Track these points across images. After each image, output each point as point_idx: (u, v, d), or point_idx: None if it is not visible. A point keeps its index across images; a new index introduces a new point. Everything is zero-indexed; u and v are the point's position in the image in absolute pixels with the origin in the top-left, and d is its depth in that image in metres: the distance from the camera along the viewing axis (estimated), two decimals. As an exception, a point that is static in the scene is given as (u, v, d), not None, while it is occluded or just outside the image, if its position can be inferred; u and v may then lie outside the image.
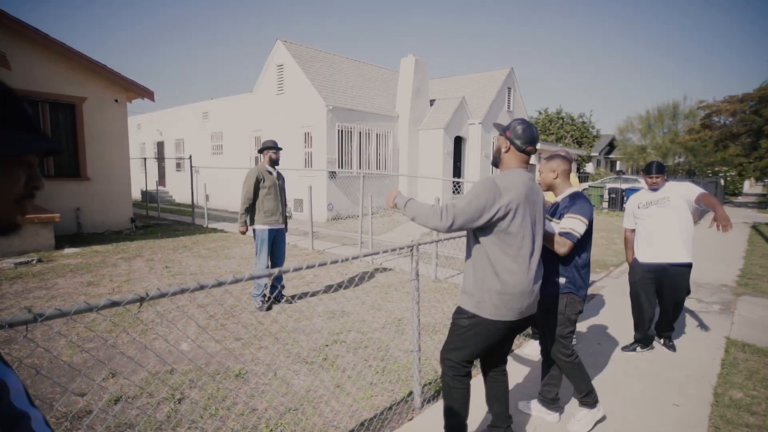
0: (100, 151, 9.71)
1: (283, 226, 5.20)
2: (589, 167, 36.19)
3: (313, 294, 5.55)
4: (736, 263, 8.13)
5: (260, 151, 5.15)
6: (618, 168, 40.33)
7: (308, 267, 2.20)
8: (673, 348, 4.08)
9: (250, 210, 5.00)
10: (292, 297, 5.33)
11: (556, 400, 2.93)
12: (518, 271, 2.17)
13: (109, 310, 4.25)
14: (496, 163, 2.39)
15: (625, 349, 4.06)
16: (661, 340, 4.17)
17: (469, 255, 2.32)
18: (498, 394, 2.50)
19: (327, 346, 3.97)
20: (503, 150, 2.32)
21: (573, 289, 2.72)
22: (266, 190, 4.98)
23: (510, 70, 18.66)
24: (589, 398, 2.78)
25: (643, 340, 4.03)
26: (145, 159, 15.59)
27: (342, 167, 13.70)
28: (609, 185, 19.80)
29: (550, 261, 2.69)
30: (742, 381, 3.48)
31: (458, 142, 16.94)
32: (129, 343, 3.93)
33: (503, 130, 2.32)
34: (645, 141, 31.85)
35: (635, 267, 4.02)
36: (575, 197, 2.72)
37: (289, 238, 9.32)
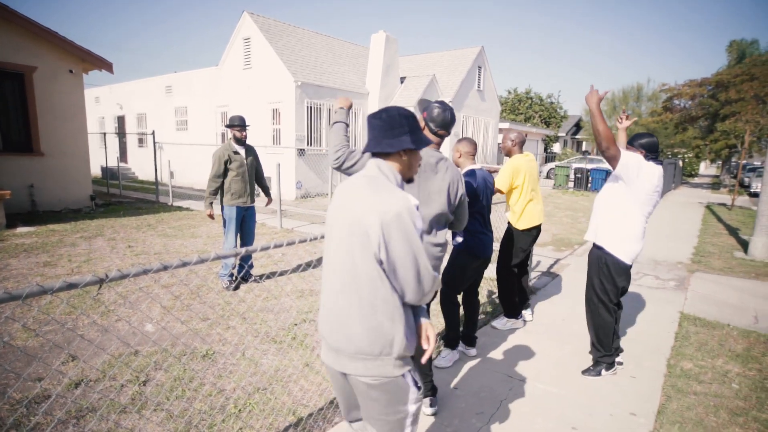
0: (55, 124, 9.17)
1: (252, 205, 5.09)
2: (557, 147, 36.95)
3: (282, 273, 5.50)
4: (690, 241, 8.54)
5: (227, 127, 4.98)
6: (584, 148, 41.33)
7: (276, 246, 2.16)
8: (597, 373, 3.29)
9: (218, 192, 4.85)
10: (260, 276, 5.26)
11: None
12: None
13: (67, 292, 4.09)
14: None
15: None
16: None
17: None
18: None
19: (296, 325, 3.95)
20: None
21: (464, 246, 3.22)
22: (234, 172, 4.83)
23: (481, 49, 18.63)
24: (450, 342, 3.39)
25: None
26: (104, 134, 14.84)
27: (311, 144, 13.48)
28: (575, 165, 20.31)
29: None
30: (692, 352, 3.69)
31: (429, 120, 16.89)
32: (89, 325, 3.81)
33: (422, 111, 2.43)
34: (610, 122, 32.66)
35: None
36: (466, 175, 3.21)
37: (258, 217, 9.15)
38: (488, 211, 3.36)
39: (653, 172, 2.95)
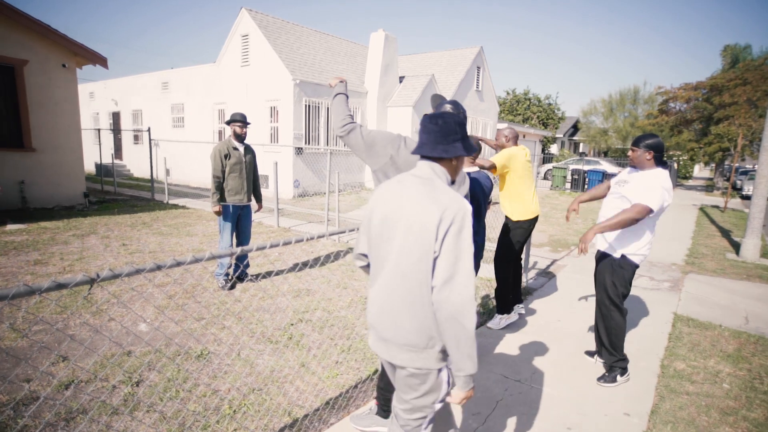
0: (47, 119, 9.06)
1: (248, 204, 5.05)
2: (554, 148, 37.04)
3: (278, 273, 5.47)
4: (684, 243, 8.57)
5: (227, 123, 4.93)
6: (581, 150, 41.46)
7: (272, 246, 2.13)
8: (604, 380, 3.20)
9: (221, 187, 4.81)
10: (256, 276, 5.23)
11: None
12: None
13: (58, 292, 4.03)
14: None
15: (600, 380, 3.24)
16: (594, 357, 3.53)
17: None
18: None
19: (292, 325, 3.93)
20: None
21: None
22: (230, 168, 4.79)
23: (480, 49, 18.63)
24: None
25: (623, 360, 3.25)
26: (99, 130, 14.72)
27: (309, 143, 13.43)
28: (572, 166, 20.36)
29: None
30: (685, 353, 3.70)
31: (426, 120, 16.88)
32: (80, 326, 3.76)
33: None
34: (607, 124, 32.81)
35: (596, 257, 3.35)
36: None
37: (254, 216, 9.12)
38: (482, 217, 3.17)
39: (669, 186, 2.94)
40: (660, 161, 3.03)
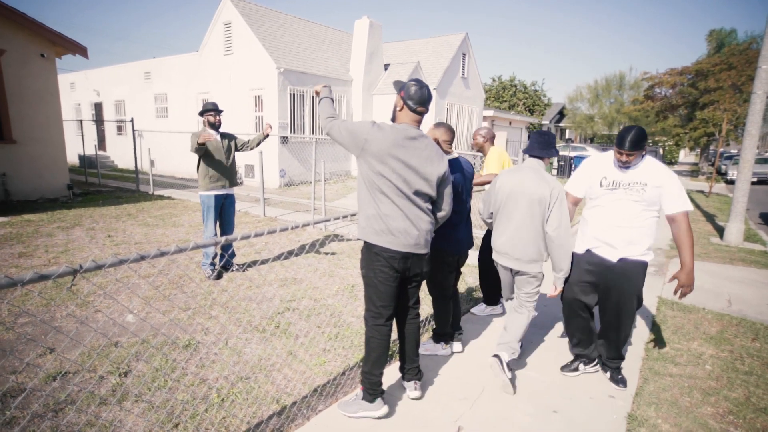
0: (27, 110, 8.86)
1: (232, 192, 5.01)
2: (540, 135, 37.13)
3: (264, 262, 5.46)
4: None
5: (200, 114, 4.87)
6: (567, 136, 41.71)
7: (257, 235, 2.12)
8: (623, 382, 2.98)
9: (204, 149, 4.68)
10: (243, 266, 5.21)
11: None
12: (392, 207, 2.37)
13: (43, 284, 3.99)
14: (393, 120, 2.54)
15: (564, 369, 3.16)
16: (607, 373, 3.08)
17: (358, 189, 2.51)
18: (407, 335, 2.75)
19: (279, 313, 3.93)
20: (397, 108, 2.49)
21: (438, 243, 3.00)
22: (210, 156, 4.74)
23: (465, 36, 18.53)
24: (441, 337, 3.34)
25: (586, 355, 3.13)
26: (81, 121, 14.40)
27: (294, 132, 13.31)
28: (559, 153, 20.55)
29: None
30: (669, 336, 3.78)
31: (414, 108, 16.82)
32: (66, 317, 3.72)
33: (398, 90, 2.48)
34: (593, 110, 33.00)
35: (581, 259, 3.00)
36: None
37: (240, 205, 9.06)
38: (467, 204, 3.20)
39: None
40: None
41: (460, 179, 3.10)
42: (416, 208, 2.41)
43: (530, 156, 2.93)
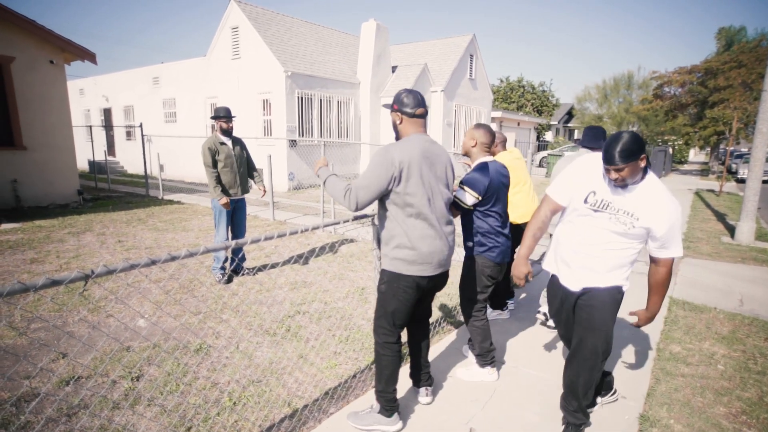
0: (37, 117, 8.97)
1: (243, 197, 5.04)
2: (549, 136, 37.03)
3: (274, 266, 5.48)
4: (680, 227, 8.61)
5: (213, 119, 4.91)
6: (576, 137, 41.47)
7: (266, 239, 2.13)
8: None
9: (219, 180, 4.77)
10: (253, 269, 5.23)
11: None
12: (423, 228, 2.27)
13: (55, 289, 4.03)
14: (398, 138, 2.40)
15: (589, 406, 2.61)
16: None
17: (380, 218, 2.39)
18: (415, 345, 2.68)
19: (290, 317, 3.94)
20: (398, 123, 2.37)
21: (480, 251, 2.89)
22: (222, 163, 4.76)
23: (472, 37, 18.52)
24: (484, 358, 2.99)
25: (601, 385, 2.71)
26: (90, 127, 14.59)
27: (302, 135, 13.37)
28: (567, 153, 20.37)
29: (463, 226, 2.96)
30: (680, 336, 3.74)
31: (420, 110, 16.81)
32: (78, 322, 3.76)
33: (391, 106, 2.38)
34: (601, 110, 32.78)
35: (554, 286, 2.56)
36: (477, 170, 2.85)
37: (250, 209, 9.10)
38: (504, 210, 2.98)
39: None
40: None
41: (500, 180, 2.90)
42: (444, 220, 2.37)
43: (582, 147, 3.35)
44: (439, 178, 2.33)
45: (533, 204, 3.99)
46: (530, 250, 2.48)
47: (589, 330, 2.33)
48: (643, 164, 2.07)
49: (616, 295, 2.32)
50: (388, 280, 2.34)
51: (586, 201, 2.26)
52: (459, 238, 2.92)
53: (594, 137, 3.45)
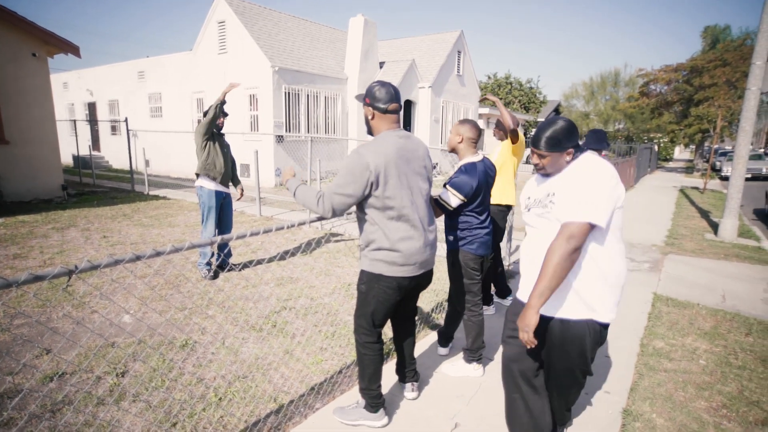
0: (19, 111, 8.78)
1: (230, 191, 5.01)
2: (536, 133, 37.21)
3: (260, 261, 5.45)
4: (664, 224, 8.76)
5: (205, 114, 4.85)
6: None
7: (252, 234, 2.12)
8: None
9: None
10: (239, 265, 5.21)
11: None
12: (405, 229, 2.21)
13: (38, 285, 3.98)
14: (370, 132, 2.33)
15: None
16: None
17: (359, 221, 2.33)
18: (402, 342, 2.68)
19: (276, 312, 3.93)
20: (370, 118, 2.28)
21: (460, 245, 2.91)
22: (217, 150, 4.74)
23: (460, 33, 18.54)
24: (473, 354, 3.04)
25: None
26: (74, 121, 14.34)
27: (289, 131, 13.29)
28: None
29: (444, 220, 2.97)
30: (664, 332, 3.81)
31: (408, 105, 16.84)
32: (62, 318, 3.71)
33: (363, 99, 2.29)
34: (588, 107, 33.11)
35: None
36: (463, 171, 2.81)
37: (236, 205, 9.03)
38: (487, 205, 2.97)
39: (613, 173, 1.95)
40: (578, 149, 1.90)
41: (486, 180, 2.89)
42: (427, 219, 2.34)
43: (587, 149, 2.95)
44: (418, 174, 2.28)
45: (512, 188, 4.02)
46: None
47: (557, 366, 2.06)
48: (568, 158, 1.87)
49: (583, 330, 1.92)
50: (368, 281, 2.29)
51: (525, 206, 2.05)
52: (440, 234, 2.94)
53: (597, 139, 3.72)
